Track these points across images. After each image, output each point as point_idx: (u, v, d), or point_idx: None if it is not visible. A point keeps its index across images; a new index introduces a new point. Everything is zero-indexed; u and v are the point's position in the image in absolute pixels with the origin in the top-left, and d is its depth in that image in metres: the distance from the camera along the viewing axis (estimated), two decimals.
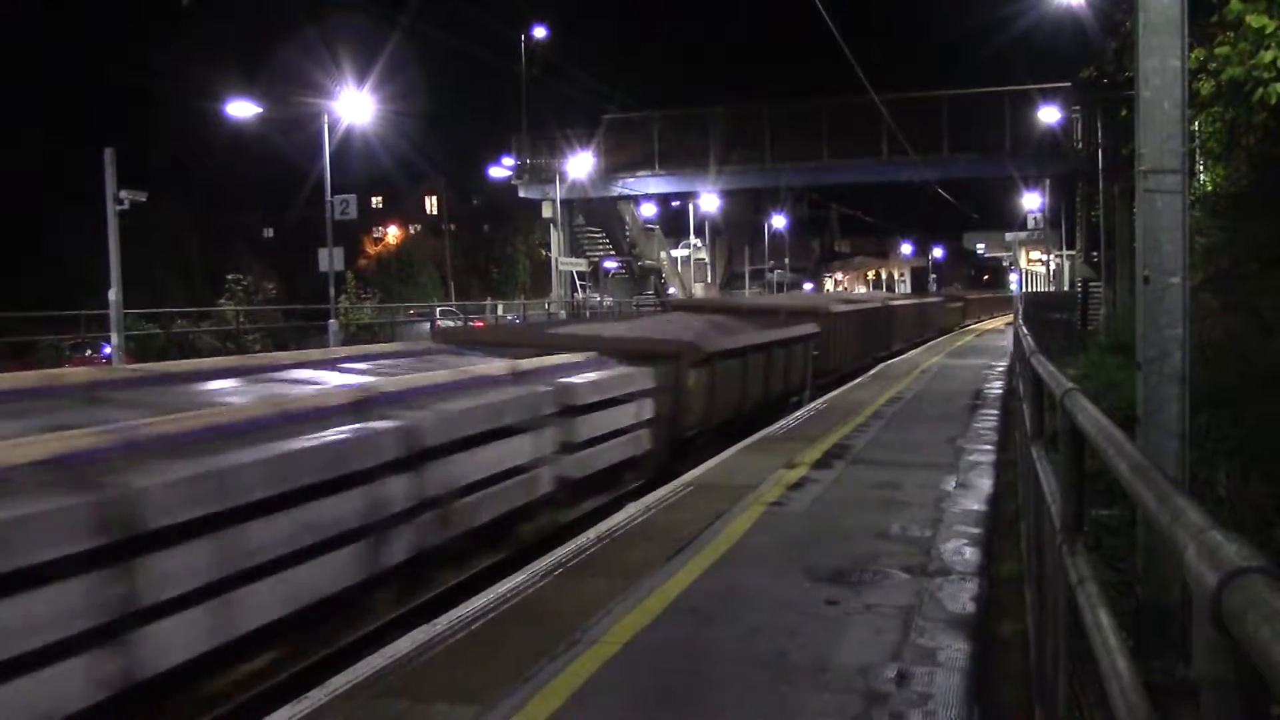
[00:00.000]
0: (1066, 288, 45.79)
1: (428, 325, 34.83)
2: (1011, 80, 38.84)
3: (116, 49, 72.38)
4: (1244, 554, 1.35)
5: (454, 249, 70.82)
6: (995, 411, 15.56)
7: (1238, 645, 1.32)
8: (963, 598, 6.22)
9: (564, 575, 6.77)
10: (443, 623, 5.80)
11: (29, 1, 75.68)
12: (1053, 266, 55.42)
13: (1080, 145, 36.59)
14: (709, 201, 52.41)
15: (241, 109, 30.68)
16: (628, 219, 48.99)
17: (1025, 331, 12.13)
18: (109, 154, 24.20)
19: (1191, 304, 7.31)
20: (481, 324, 37.05)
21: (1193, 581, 1.45)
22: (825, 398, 18.05)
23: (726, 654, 5.28)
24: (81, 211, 39.98)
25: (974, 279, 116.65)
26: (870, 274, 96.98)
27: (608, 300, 46.12)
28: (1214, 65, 9.53)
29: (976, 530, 7.98)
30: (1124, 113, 20.06)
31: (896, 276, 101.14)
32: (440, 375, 8.35)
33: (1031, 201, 51.80)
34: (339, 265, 31.14)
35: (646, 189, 44.91)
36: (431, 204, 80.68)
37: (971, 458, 11.36)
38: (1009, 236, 69.20)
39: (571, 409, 9.16)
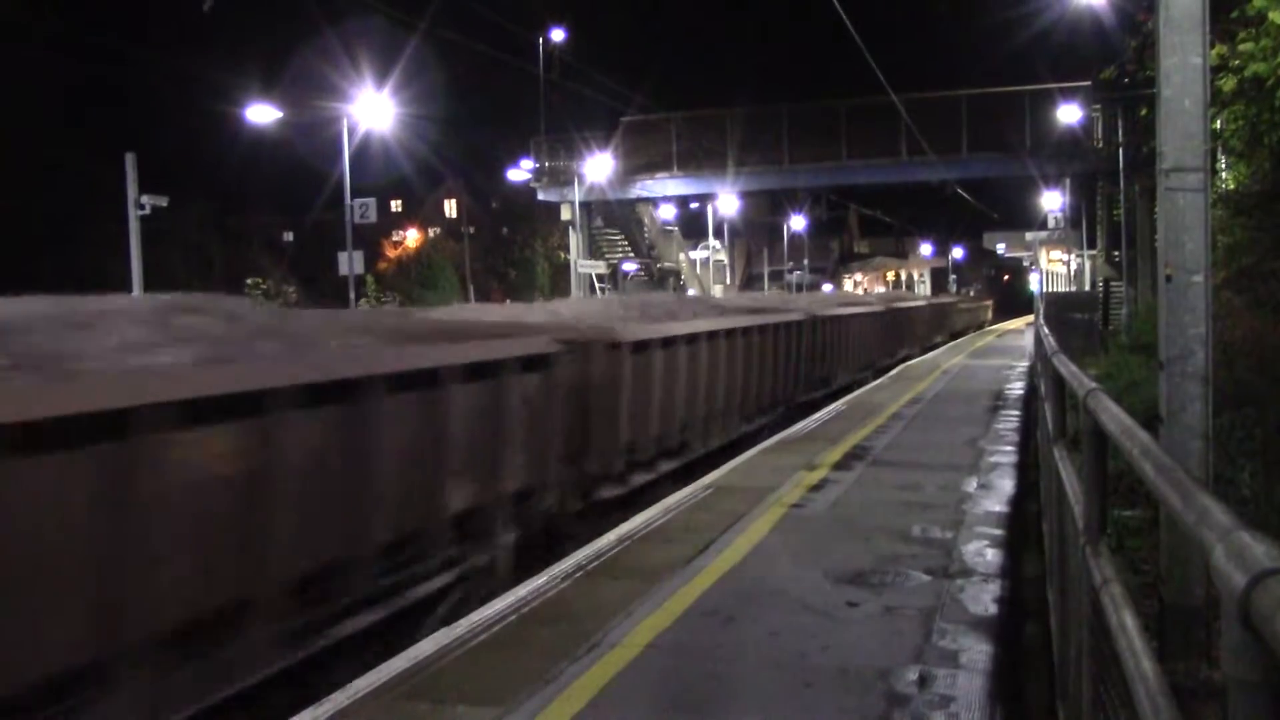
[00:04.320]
0: (1088, 287, 45.51)
1: None
2: (1031, 79, 38.67)
3: (138, 53, 72.82)
4: (1273, 555, 1.34)
5: (473, 252, 70.93)
6: (1016, 412, 15.49)
7: (1267, 647, 1.31)
8: (984, 599, 6.19)
9: (585, 577, 6.78)
10: (463, 625, 5.81)
11: (52, 7, 76.19)
12: (1074, 266, 55.06)
13: (1101, 144, 36.39)
14: (727, 203, 52.25)
15: (261, 113, 30.80)
16: (646, 221, 48.94)
17: (1046, 332, 12.08)
18: (130, 159, 24.35)
19: (1214, 302, 7.26)
20: None
21: (1220, 583, 1.44)
22: (846, 399, 18.01)
23: (747, 656, 5.27)
24: (103, 215, 40.27)
25: (994, 279, 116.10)
26: (890, 275, 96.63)
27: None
28: (1236, 62, 9.47)
29: (998, 531, 7.95)
30: (1144, 111, 19.97)
31: (916, 277, 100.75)
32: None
33: (1052, 201, 51.52)
34: (359, 269, 31.29)
35: (665, 191, 44.85)
36: (450, 207, 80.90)
37: (992, 459, 11.32)
38: (1029, 236, 68.89)
39: None
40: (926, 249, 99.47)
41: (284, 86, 54.72)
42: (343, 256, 30.14)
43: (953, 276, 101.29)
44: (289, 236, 77.44)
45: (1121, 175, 30.24)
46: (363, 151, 35.66)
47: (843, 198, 63.79)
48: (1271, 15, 8.80)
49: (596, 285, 44.99)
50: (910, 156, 38.05)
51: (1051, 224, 55.06)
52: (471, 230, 72.78)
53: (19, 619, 4.27)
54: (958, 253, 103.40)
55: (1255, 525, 1.50)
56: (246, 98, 30.55)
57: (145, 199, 24.48)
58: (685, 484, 10.47)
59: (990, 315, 69.22)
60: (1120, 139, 30.85)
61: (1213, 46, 8.06)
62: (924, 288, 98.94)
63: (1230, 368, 10.17)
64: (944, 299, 53.19)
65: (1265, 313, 10.76)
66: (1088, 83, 33.87)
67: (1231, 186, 13.26)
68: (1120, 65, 15.14)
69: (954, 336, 41.77)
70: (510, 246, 74.49)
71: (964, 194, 49.71)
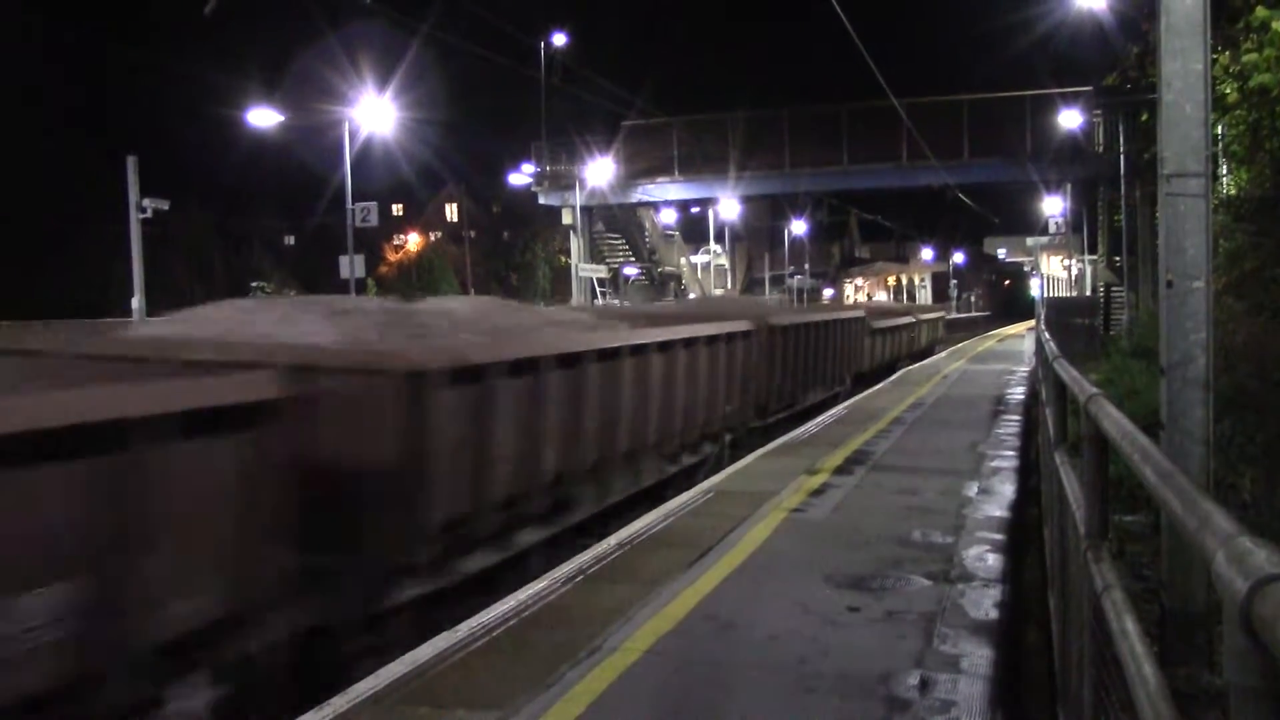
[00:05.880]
0: (1089, 292, 45.53)
1: None
2: (1033, 84, 38.69)
3: (140, 57, 72.92)
4: (1274, 561, 1.34)
5: (474, 256, 71.03)
6: (1017, 417, 15.49)
7: (1268, 652, 1.31)
8: (985, 604, 6.19)
9: (585, 582, 6.77)
10: (464, 629, 5.80)
11: (55, 10, 76.34)
12: (1075, 271, 55.07)
13: (1102, 149, 36.41)
14: (729, 207, 52.32)
15: (263, 117, 30.84)
16: (647, 225, 49.00)
17: (1048, 337, 12.09)
18: (131, 162, 24.39)
19: (1215, 308, 7.26)
20: None
21: (1222, 588, 1.43)
22: (846, 403, 18.03)
23: (748, 661, 5.27)
24: (104, 217, 40.31)
25: (995, 284, 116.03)
26: (890, 280, 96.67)
27: (628, 306, 45.99)
28: (1237, 68, 9.48)
29: (999, 536, 7.94)
30: (1145, 116, 19.99)
31: (917, 282, 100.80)
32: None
33: (1053, 206, 51.51)
34: (360, 272, 31.31)
35: (666, 195, 44.87)
36: (452, 211, 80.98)
37: (993, 464, 11.31)
38: (1030, 241, 68.84)
39: None
40: (927, 254, 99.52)
41: (286, 90, 54.76)
42: (344, 260, 30.19)
43: (953, 281, 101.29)
44: (290, 240, 77.53)
45: (1123, 180, 30.26)
46: (364, 155, 35.76)
47: (844, 202, 63.85)
48: (1275, 26, 8.82)
49: (597, 289, 45.04)
50: (911, 161, 38.07)
51: (1052, 229, 55.02)
52: (472, 234, 72.90)
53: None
54: (959, 258, 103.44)
55: (1257, 531, 1.50)
56: (248, 101, 30.58)
57: (147, 202, 24.53)
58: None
59: (943, 331, 43.97)
60: (1121, 144, 30.86)
61: (1217, 52, 8.07)
62: (925, 293, 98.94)
63: (1231, 373, 10.17)
64: (833, 311, 26.47)
65: (1266, 318, 10.76)
66: (1089, 88, 33.92)
67: (1233, 192, 13.28)
68: (1123, 71, 15.16)
69: (860, 379, 22.80)
70: (511, 250, 74.57)
71: (965, 199, 49.74)
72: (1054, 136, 36.81)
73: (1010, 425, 14.56)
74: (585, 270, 43.51)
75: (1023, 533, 8.62)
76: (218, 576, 5.07)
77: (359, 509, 6.37)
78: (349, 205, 30.21)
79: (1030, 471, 11.02)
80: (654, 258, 49.48)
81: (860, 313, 23.85)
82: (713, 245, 57.64)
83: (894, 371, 25.88)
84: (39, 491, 4.29)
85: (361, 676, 5.21)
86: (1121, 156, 30.43)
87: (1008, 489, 9.87)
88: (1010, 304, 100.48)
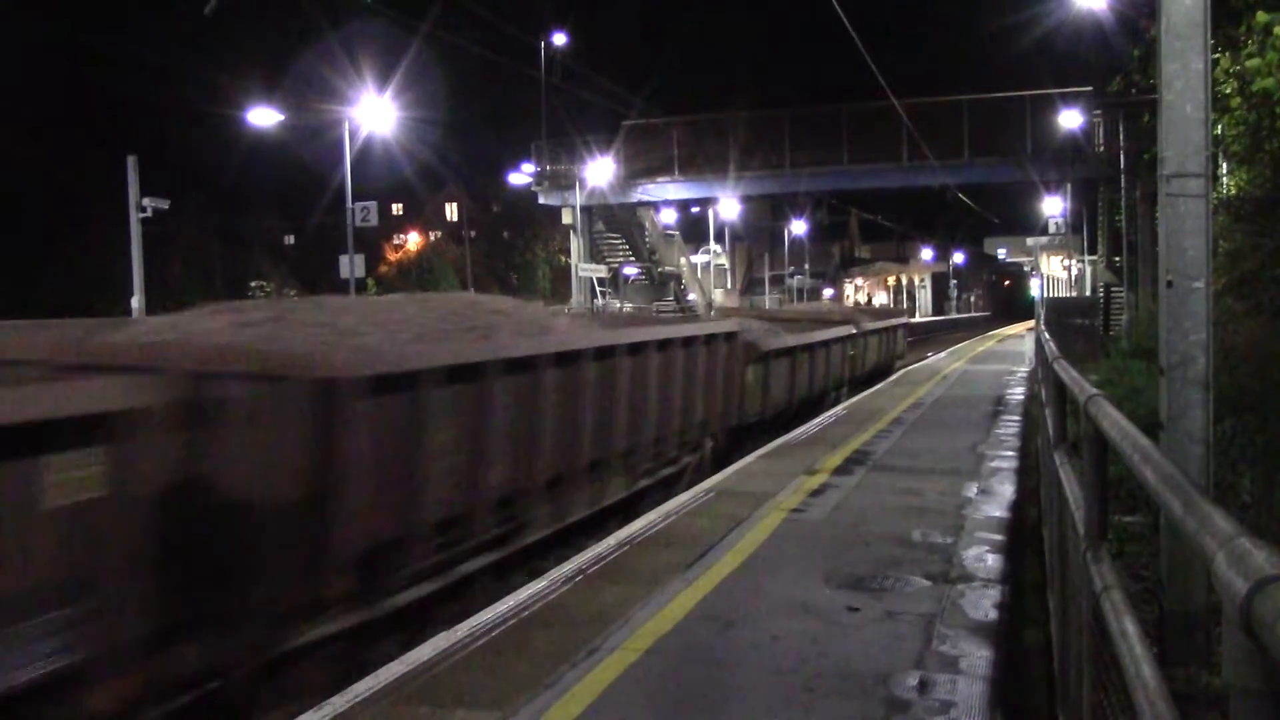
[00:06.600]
0: (1089, 293, 45.52)
1: None
2: (1033, 84, 38.67)
3: (140, 56, 72.91)
4: (1274, 562, 1.34)
5: (474, 255, 70.99)
6: (1017, 417, 15.49)
7: (1268, 654, 1.31)
8: (985, 605, 6.19)
9: (585, 581, 6.77)
10: (464, 629, 5.80)
11: (54, 9, 76.29)
12: (1075, 271, 55.01)
13: (1102, 149, 36.40)
14: (729, 207, 52.28)
15: (263, 116, 30.84)
16: (647, 225, 48.94)
17: (1047, 337, 12.09)
18: (132, 161, 24.39)
19: (1215, 308, 7.26)
20: None
21: (1221, 589, 1.43)
22: (846, 403, 18.03)
23: (747, 661, 5.27)
24: (104, 217, 40.31)
25: (995, 284, 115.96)
26: (890, 280, 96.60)
27: (628, 306, 46.08)
28: (1236, 69, 9.47)
29: (998, 537, 7.94)
30: (1146, 117, 19.98)
31: (917, 282, 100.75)
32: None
33: (1053, 206, 51.48)
34: (360, 272, 31.34)
35: (666, 195, 44.83)
36: (452, 211, 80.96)
37: (993, 464, 11.31)
38: (1030, 241, 68.84)
39: None
40: (927, 254, 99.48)
41: (286, 90, 54.74)
42: (344, 260, 30.20)
43: (953, 281, 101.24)
44: (290, 239, 77.54)
45: (1123, 180, 30.27)
46: (364, 155, 35.76)
47: (844, 202, 63.81)
48: (1277, 30, 8.81)
49: (597, 289, 45.02)
50: (911, 161, 38.03)
51: (1052, 229, 54.98)
52: (472, 234, 72.87)
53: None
54: (959, 258, 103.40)
55: (1256, 532, 1.50)
56: (248, 101, 30.60)
57: (147, 202, 24.54)
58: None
59: (903, 345, 32.37)
60: (1121, 144, 30.87)
61: (1217, 53, 8.06)
62: (925, 293, 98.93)
63: (1231, 374, 10.16)
64: (663, 327, 13.32)
65: (1266, 318, 10.75)
66: (1089, 88, 33.91)
67: (1233, 192, 13.26)
68: (1126, 75, 15.16)
69: (748, 431, 14.70)
70: (511, 250, 74.57)
71: (965, 199, 49.72)
72: (1054, 136, 36.78)
73: (1010, 426, 14.56)
74: (585, 270, 43.48)
75: (1022, 533, 8.62)
76: None
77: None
78: (349, 205, 30.21)
79: (1029, 472, 11.02)
80: (654, 258, 49.43)
81: (731, 326, 14.09)
82: (713, 245, 57.62)
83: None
84: None
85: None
86: (1121, 156, 30.44)
87: (1007, 489, 9.88)
88: (1010, 304, 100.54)
